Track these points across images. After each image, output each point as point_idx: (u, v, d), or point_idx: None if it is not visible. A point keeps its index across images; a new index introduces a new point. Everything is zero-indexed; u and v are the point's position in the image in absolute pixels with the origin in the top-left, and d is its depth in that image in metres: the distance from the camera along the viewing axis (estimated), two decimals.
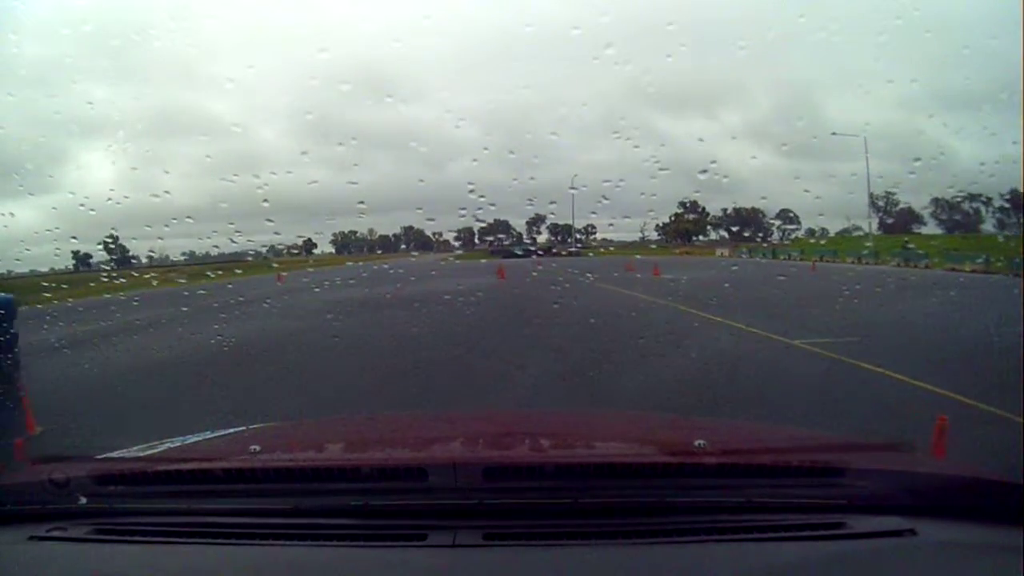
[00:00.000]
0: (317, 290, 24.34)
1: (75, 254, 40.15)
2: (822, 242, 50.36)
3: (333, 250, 60.70)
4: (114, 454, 2.15)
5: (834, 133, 35.21)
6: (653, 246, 61.08)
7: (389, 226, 68.42)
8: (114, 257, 37.09)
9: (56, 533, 1.58)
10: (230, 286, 25.90)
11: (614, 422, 3.00)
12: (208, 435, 2.42)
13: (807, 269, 30.97)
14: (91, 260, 40.46)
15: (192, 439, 2.34)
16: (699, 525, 1.46)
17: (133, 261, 38.72)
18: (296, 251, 47.23)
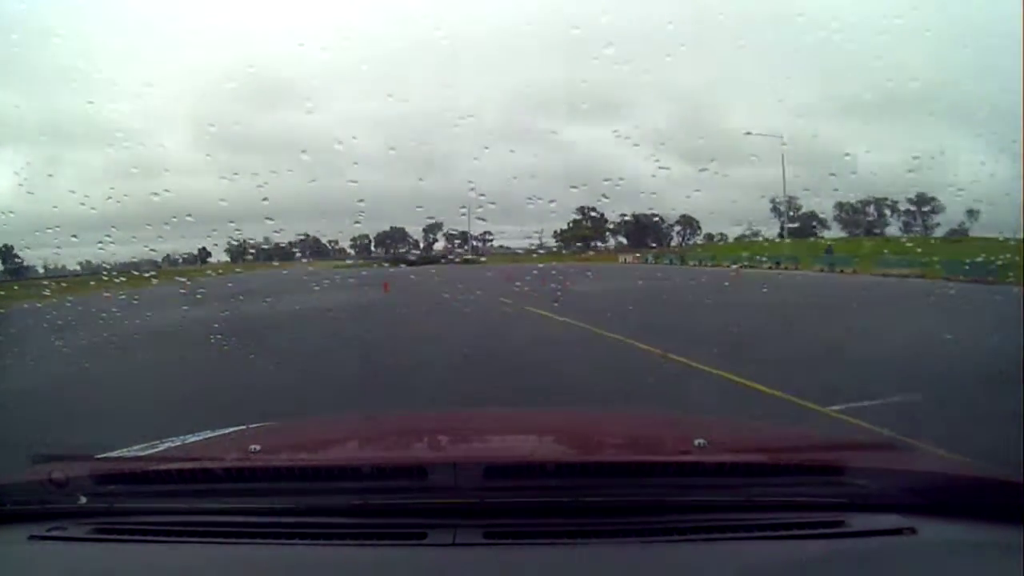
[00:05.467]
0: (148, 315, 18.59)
1: None
2: (745, 247, 49.48)
3: (228, 259, 55.37)
4: (114, 454, 2.12)
5: (748, 133, 33.41)
6: (564, 252, 59.78)
7: (287, 234, 65.61)
8: (7, 267, 36.64)
9: (56, 533, 1.56)
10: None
11: (614, 421, 2.98)
12: (208, 435, 2.40)
13: (732, 276, 27.93)
14: None
15: (192, 439, 2.31)
16: (699, 524, 1.45)
17: (39, 271, 36.50)
18: (198, 259, 44.84)
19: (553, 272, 26.64)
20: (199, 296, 19.54)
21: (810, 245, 44.03)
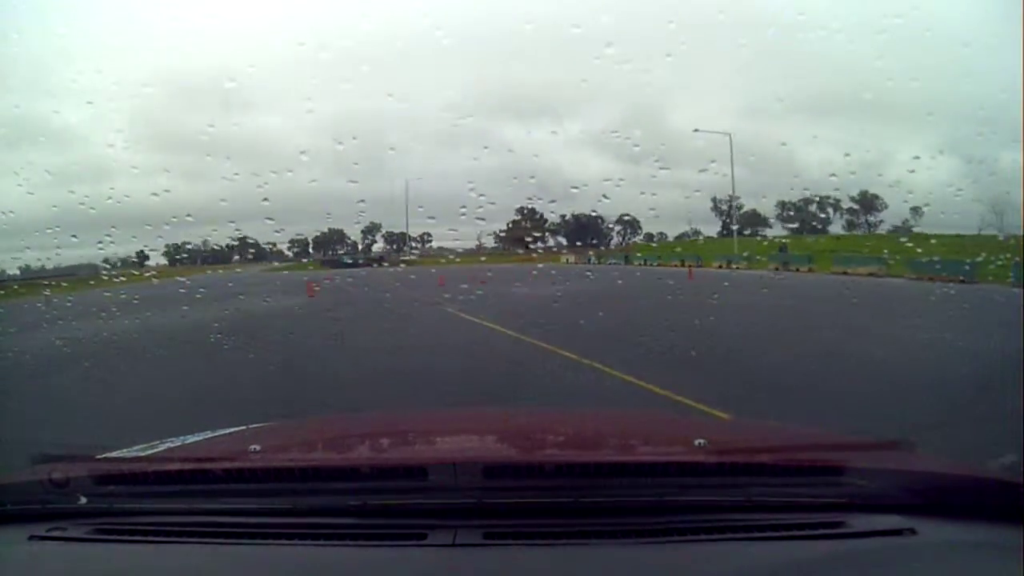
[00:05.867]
0: None
1: None
2: (688, 246, 48.46)
3: (167, 261, 55.12)
4: (114, 454, 2.12)
5: (696, 130, 32.45)
6: (504, 252, 59.70)
7: (223, 236, 63.16)
8: None
9: (56, 533, 1.57)
10: None
11: (614, 421, 2.94)
12: (208, 435, 2.39)
13: (685, 277, 25.36)
14: None
15: (192, 439, 2.31)
16: (699, 524, 1.45)
17: None
18: (137, 262, 44.05)
19: (489, 274, 25.23)
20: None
21: (757, 243, 43.15)
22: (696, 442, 1.72)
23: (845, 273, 25.10)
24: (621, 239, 70.15)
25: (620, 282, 24.41)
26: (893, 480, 1.55)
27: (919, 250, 25.71)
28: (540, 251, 64.82)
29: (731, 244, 41.60)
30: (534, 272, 29.51)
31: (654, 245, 60.97)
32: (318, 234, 65.45)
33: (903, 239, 33.56)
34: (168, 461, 1.90)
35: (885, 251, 28.33)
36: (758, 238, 52.22)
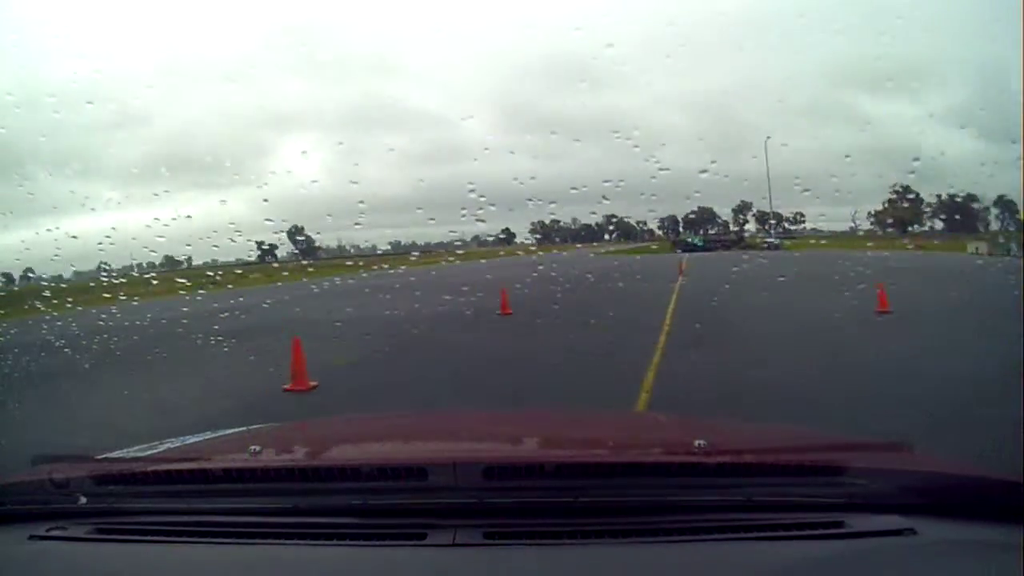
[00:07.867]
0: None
1: (259, 244, 41.00)
2: None
3: (533, 240, 58.42)
4: (114, 454, 2.13)
5: None
6: (880, 235, 53.83)
7: (594, 216, 66.26)
8: (300, 249, 39.51)
9: (56, 532, 1.57)
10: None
11: (614, 421, 2.95)
12: (208, 435, 2.39)
13: None
14: (276, 251, 43.00)
15: (192, 439, 2.32)
16: (699, 524, 1.45)
17: (344, 251, 41.48)
18: (504, 240, 47.85)
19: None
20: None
21: None
22: (696, 442, 1.70)
23: None
24: (1001, 223, 59.05)
25: None
26: (893, 480, 1.54)
27: None
28: (920, 235, 57.01)
29: None
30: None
31: None
32: (687, 213, 63.98)
33: None
34: (168, 461, 1.92)
35: None
36: None
